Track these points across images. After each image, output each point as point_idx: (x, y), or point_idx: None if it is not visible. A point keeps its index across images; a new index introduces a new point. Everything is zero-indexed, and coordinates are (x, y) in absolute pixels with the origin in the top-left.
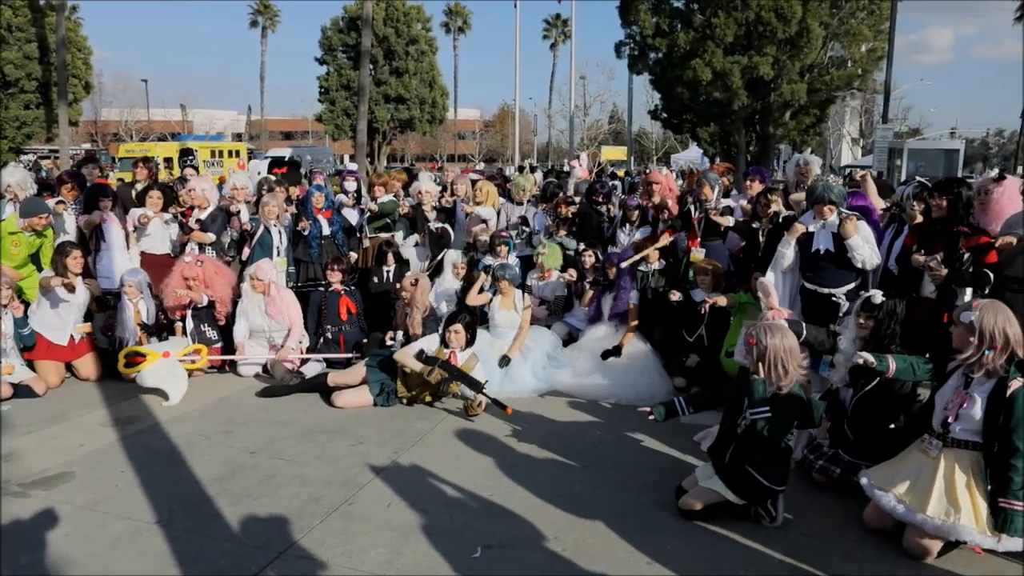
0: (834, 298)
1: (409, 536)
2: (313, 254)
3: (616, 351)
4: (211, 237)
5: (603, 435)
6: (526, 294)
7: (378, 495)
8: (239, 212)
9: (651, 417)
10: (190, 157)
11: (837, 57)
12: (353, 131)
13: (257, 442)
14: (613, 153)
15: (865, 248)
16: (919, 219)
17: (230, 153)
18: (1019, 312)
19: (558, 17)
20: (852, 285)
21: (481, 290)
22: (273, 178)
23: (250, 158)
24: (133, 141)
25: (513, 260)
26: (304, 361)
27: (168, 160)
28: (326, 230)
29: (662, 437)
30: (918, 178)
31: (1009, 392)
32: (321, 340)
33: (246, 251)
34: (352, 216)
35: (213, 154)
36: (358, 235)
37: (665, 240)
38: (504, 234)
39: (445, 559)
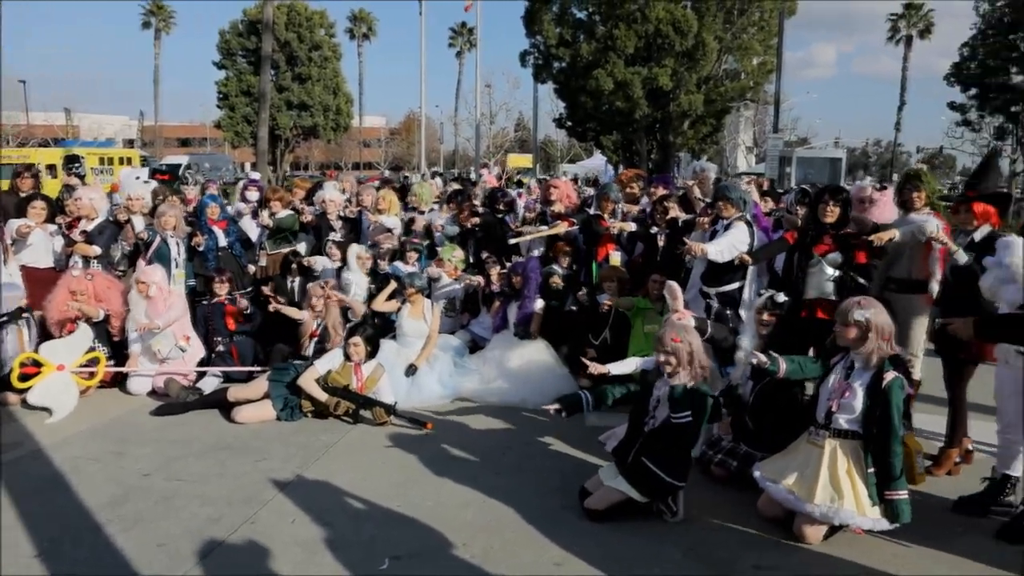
0: (707, 298)
1: (315, 551)
2: (210, 267)
3: (412, 369)
4: (96, 250)
5: (511, 441)
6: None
7: (282, 511)
8: (129, 222)
9: (556, 408)
10: (76, 164)
11: (731, 70)
12: (254, 138)
13: (152, 463)
14: (519, 161)
15: (711, 249)
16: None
17: (121, 160)
18: (899, 310)
19: (464, 25)
20: (732, 286)
21: (390, 297)
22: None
23: (143, 165)
24: (10, 147)
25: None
26: (201, 376)
27: (51, 167)
28: (222, 241)
29: (569, 440)
30: (801, 185)
31: (884, 383)
32: (214, 354)
33: (141, 263)
34: (251, 228)
35: (102, 161)
36: (257, 249)
37: (561, 228)
38: (415, 241)
39: (352, 572)
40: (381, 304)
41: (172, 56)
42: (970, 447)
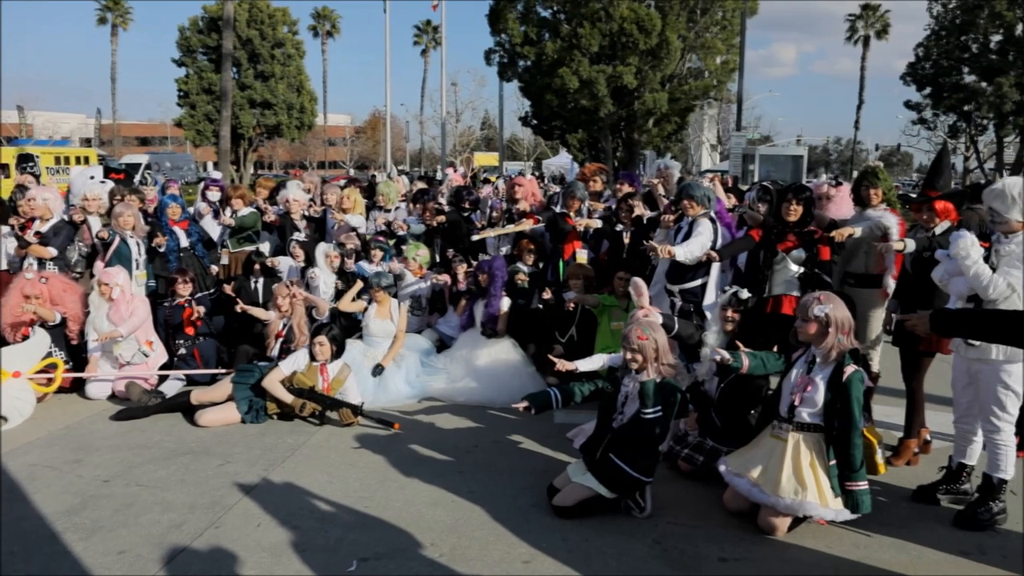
0: (671, 296)
1: (280, 555)
2: (171, 268)
3: (379, 369)
4: (51, 252)
5: (479, 439)
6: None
7: (247, 515)
8: (86, 223)
9: (524, 405)
10: (30, 164)
11: (695, 68)
12: (216, 137)
13: (112, 469)
14: (485, 159)
15: (680, 251)
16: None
17: (78, 160)
18: (858, 304)
19: (429, 23)
20: (695, 283)
21: (356, 297)
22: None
23: (101, 164)
24: None
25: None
26: (163, 379)
27: (3, 167)
28: (184, 242)
29: (537, 438)
30: (762, 182)
31: (844, 377)
32: (176, 357)
33: (99, 265)
34: (213, 228)
35: (58, 160)
36: (219, 249)
37: (527, 224)
38: (380, 239)
39: (319, 575)
40: (347, 304)
41: (130, 53)
42: (928, 437)
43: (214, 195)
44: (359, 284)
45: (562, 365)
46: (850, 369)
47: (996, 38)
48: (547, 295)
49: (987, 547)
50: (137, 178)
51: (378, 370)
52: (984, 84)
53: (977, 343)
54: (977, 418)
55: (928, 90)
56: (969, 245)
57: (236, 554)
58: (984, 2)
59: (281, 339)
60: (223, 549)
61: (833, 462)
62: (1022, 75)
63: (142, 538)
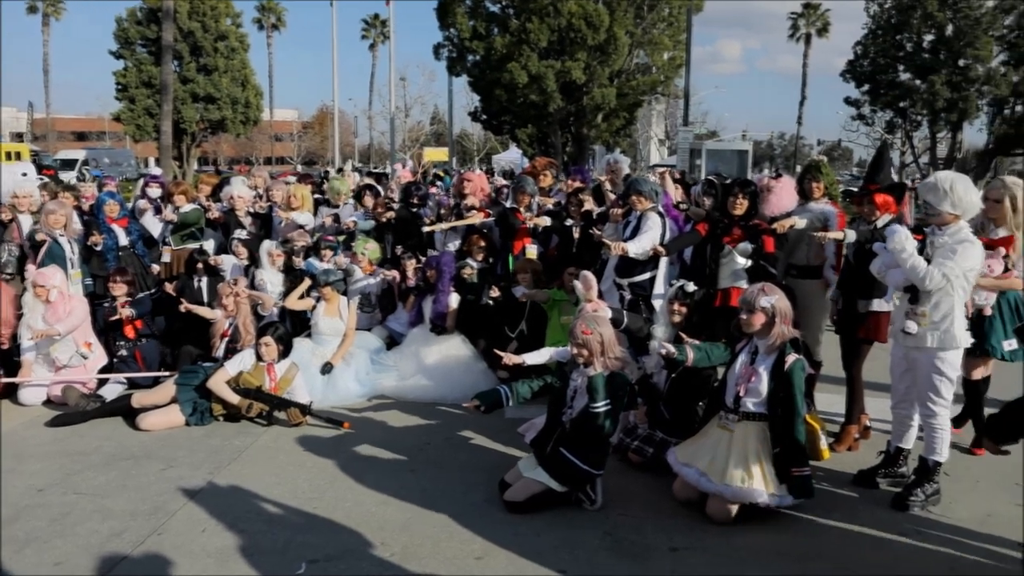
0: (620, 289)
1: (227, 560)
2: (109, 267)
3: (328, 367)
4: None
5: (430, 436)
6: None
7: (192, 520)
8: (15, 222)
9: (475, 404)
10: None
11: (642, 64)
12: (157, 132)
13: (48, 477)
14: (435, 154)
15: (632, 247)
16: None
17: (9, 155)
18: (800, 295)
19: (377, 17)
20: (644, 277)
21: (305, 294)
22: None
23: (33, 160)
24: None
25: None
26: (102, 383)
27: None
28: (123, 240)
29: (488, 433)
30: (707, 177)
31: (787, 366)
32: (116, 359)
33: (31, 267)
34: (154, 225)
35: None
36: (160, 246)
37: (476, 218)
38: (329, 238)
39: None
40: (294, 302)
41: (63, 44)
42: (868, 423)
43: (154, 191)
44: (306, 282)
45: (509, 359)
46: (791, 358)
47: (929, 38)
48: (495, 293)
49: (923, 528)
50: (74, 174)
51: (327, 368)
52: (918, 82)
53: (914, 331)
54: (914, 403)
55: (866, 87)
56: (904, 239)
57: (180, 561)
58: (917, 3)
59: (227, 339)
60: (166, 556)
61: (777, 449)
62: (953, 74)
63: (80, 548)
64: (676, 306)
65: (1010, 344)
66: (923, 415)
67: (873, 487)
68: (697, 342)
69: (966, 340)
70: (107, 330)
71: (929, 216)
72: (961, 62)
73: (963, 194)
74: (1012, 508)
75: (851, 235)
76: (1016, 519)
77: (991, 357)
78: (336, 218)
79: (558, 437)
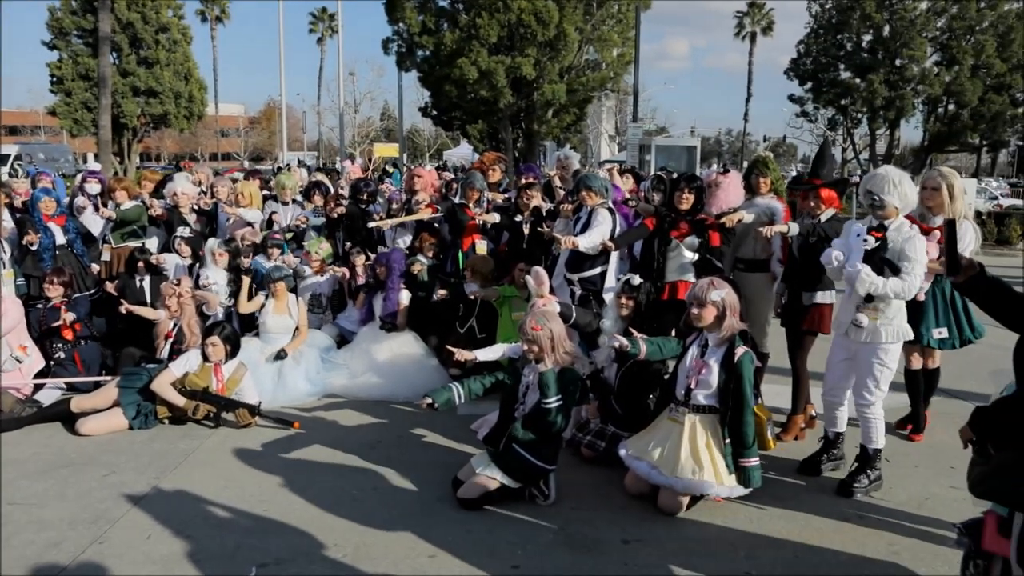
0: (571, 285)
1: (173, 567)
2: (45, 267)
3: (282, 354)
4: None
5: (381, 435)
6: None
7: (136, 527)
8: None
9: (428, 402)
10: None
11: (592, 60)
12: (95, 126)
13: None
14: (386, 150)
15: (583, 242)
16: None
17: None
18: (747, 288)
19: (324, 11)
20: (594, 271)
21: (250, 296)
22: None
23: None
24: None
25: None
26: (38, 388)
27: None
28: (60, 239)
29: (441, 431)
30: (656, 172)
31: (736, 358)
32: (53, 363)
33: None
34: (94, 223)
35: None
36: (101, 244)
37: (425, 213)
38: (277, 236)
39: None
40: (245, 306)
41: None
42: (813, 413)
43: (93, 188)
44: (246, 281)
45: (461, 355)
46: (740, 350)
47: (867, 38)
48: (442, 293)
49: (865, 512)
50: (6, 170)
51: (281, 355)
52: (858, 80)
53: (865, 324)
54: (846, 392)
55: (809, 85)
56: (868, 281)
57: (123, 569)
58: (856, 4)
59: (171, 340)
60: (108, 565)
61: (727, 441)
62: (890, 73)
63: (15, 560)
64: (623, 300)
65: (940, 332)
66: (860, 404)
67: (817, 474)
68: (643, 336)
69: (909, 333)
70: (43, 334)
71: (874, 209)
72: (898, 62)
73: (908, 189)
74: (948, 491)
75: (794, 228)
76: (952, 501)
77: (922, 344)
78: (270, 215)
79: (511, 433)
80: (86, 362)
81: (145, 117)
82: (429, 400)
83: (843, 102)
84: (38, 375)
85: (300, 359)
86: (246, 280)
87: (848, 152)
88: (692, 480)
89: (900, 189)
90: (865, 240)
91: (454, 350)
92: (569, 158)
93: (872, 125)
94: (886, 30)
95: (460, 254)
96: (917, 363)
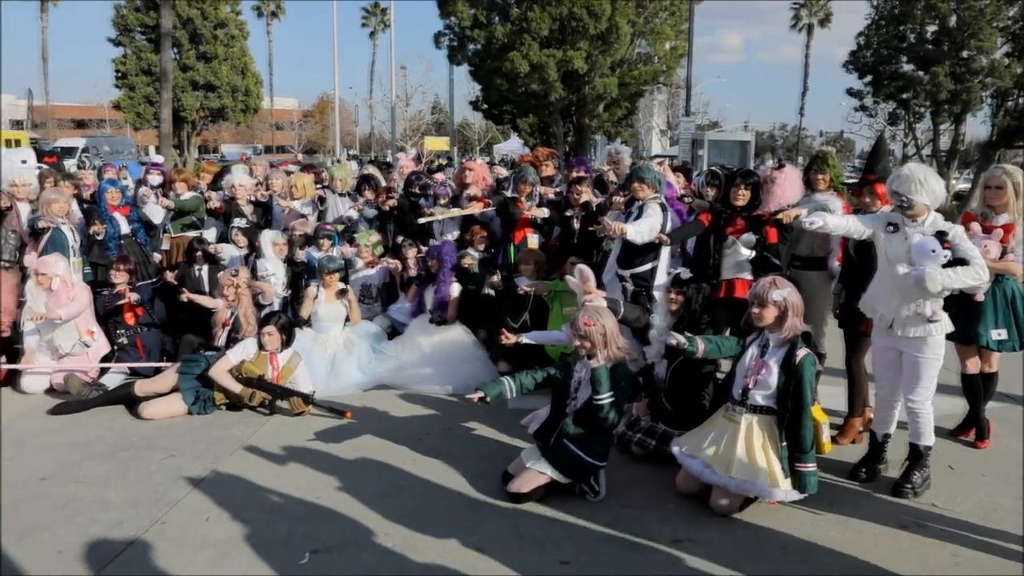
0: (622, 281)
1: (229, 550)
2: (111, 255)
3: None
4: None
5: (431, 426)
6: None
7: (194, 510)
8: (13, 209)
9: (479, 396)
10: None
11: (644, 53)
12: (157, 120)
13: (48, 467)
14: (436, 143)
15: (631, 229)
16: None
17: (8, 143)
18: (804, 287)
19: (376, 5)
20: (645, 267)
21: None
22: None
23: (33, 148)
24: None
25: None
26: (104, 371)
27: None
28: (124, 229)
29: (490, 424)
30: (710, 167)
31: (797, 360)
32: (116, 347)
33: (32, 256)
34: (156, 213)
35: None
36: (161, 234)
37: (475, 208)
38: (328, 227)
39: (270, 569)
40: (305, 310)
41: (60, 31)
42: (872, 416)
43: (155, 179)
44: (310, 293)
45: (507, 338)
46: (802, 352)
47: (932, 28)
48: (495, 278)
49: (925, 521)
50: (74, 162)
51: (343, 293)
52: (921, 73)
53: (930, 314)
54: (899, 389)
55: (869, 78)
56: (939, 281)
57: (182, 551)
58: None
59: (228, 328)
60: (168, 546)
61: (784, 444)
62: (956, 64)
63: (81, 537)
64: (672, 295)
65: (999, 334)
66: (909, 401)
67: (872, 479)
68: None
69: (950, 324)
70: (107, 318)
71: (903, 209)
72: (964, 53)
73: (935, 185)
74: (1015, 502)
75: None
76: (1019, 513)
77: (979, 346)
78: (322, 199)
79: (563, 430)
80: (147, 348)
81: (203, 110)
82: (481, 394)
83: (904, 96)
84: (102, 360)
85: (352, 349)
86: (310, 292)
87: (909, 148)
88: (745, 481)
89: (927, 186)
90: (935, 252)
91: (503, 334)
92: (620, 153)
93: (935, 120)
94: (952, 20)
95: (511, 248)
96: (974, 367)
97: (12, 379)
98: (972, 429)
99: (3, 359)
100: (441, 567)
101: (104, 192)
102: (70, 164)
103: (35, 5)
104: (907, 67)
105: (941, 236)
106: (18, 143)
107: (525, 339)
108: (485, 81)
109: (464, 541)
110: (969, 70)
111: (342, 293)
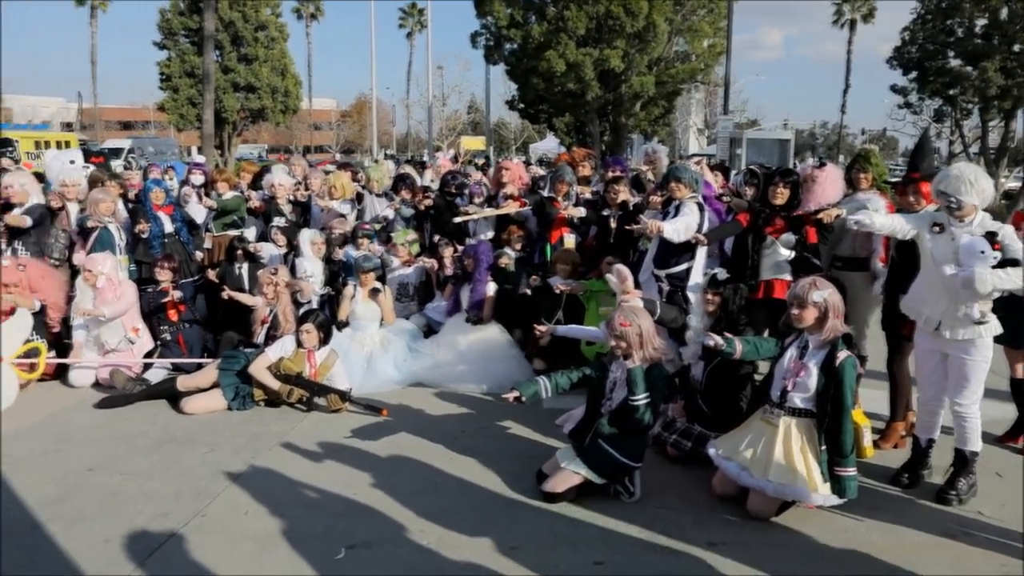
0: (659, 281)
1: (268, 544)
2: (155, 253)
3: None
4: (27, 220)
5: (466, 425)
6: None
7: (234, 504)
8: (63, 209)
9: (515, 395)
10: (9, 148)
11: (681, 52)
12: (199, 121)
13: (95, 459)
14: (472, 143)
15: (667, 227)
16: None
17: (58, 144)
18: (847, 288)
19: (414, 6)
20: (681, 267)
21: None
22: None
23: (82, 149)
24: None
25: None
26: (147, 367)
27: None
28: (168, 227)
29: (525, 423)
30: (748, 166)
31: (838, 362)
32: (159, 343)
33: (81, 254)
34: (198, 212)
35: (38, 145)
36: (203, 233)
37: (511, 207)
38: (366, 227)
39: (308, 563)
40: (345, 311)
41: (108, 36)
42: (915, 420)
43: (197, 179)
44: (347, 296)
45: (540, 330)
46: (843, 354)
47: (981, 22)
48: (535, 280)
49: (972, 529)
50: (120, 162)
51: (376, 292)
52: (969, 68)
53: (978, 316)
54: (944, 393)
55: (914, 74)
56: (989, 281)
57: (222, 543)
58: None
59: (267, 325)
60: (209, 538)
61: (823, 448)
62: (1007, 59)
63: (126, 528)
64: (709, 295)
65: None
66: (957, 405)
67: (915, 485)
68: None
69: (999, 325)
70: (151, 314)
71: (951, 210)
72: (1016, 47)
73: (986, 184)
74: None
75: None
76: None
77: None
78: (359, 198)
79: (598, 430)
80: (189, 344)
81: (244, 111)
82: (516, 393)
83: (951, 92)
84: (146, 355)
85: (388, 347)
86: (347, 292)
87: (956, 145)
88: (783, 485)
89: (977, 186)
90: (984, 253)
91: (537, 327)
92: (657, 152)
93: (984, 116)
94: (1003, 13)
95: (548, 247)
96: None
97: (61, 373)
98: (1021, 436)
99: (53, 354)
100: (475, 565)
101: (149, 192)
102: (116, 164)
103: (86, 11)
104: (954, 62)
105: (991, 237)
106: (68, 144)
107: (560, 331)
108: (521, 80)
109: (498, 540)
110: (1021, 64)
111: (375, 292)
